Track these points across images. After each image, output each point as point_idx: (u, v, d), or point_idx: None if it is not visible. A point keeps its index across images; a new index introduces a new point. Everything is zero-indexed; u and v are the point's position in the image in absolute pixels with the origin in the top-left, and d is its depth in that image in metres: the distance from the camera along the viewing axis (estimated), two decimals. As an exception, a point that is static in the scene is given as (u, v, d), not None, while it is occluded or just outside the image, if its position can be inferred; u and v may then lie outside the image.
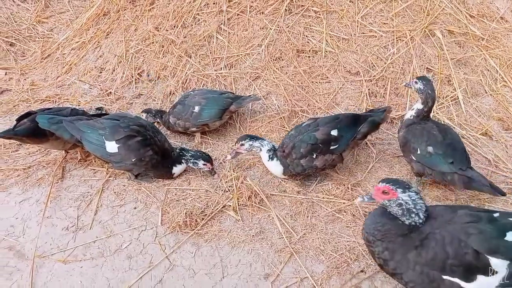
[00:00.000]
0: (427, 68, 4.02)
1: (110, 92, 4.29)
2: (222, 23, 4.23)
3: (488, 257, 1.86)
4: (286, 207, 3.11)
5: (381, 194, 2.11)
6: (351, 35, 4.08)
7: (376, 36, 4.08)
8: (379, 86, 3.97)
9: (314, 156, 3.06)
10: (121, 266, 2.66)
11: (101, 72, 4.53)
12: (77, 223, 2.97)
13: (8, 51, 5.03)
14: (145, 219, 3.00)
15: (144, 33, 4.45)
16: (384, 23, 4.11)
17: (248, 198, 3.06)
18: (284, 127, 3.79)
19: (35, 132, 3.06)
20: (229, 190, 3.18)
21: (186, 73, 4.13)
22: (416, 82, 3.05)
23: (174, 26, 4.35)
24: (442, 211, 2.10)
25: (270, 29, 4.12)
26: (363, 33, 4.09)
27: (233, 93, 3.77)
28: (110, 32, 4.69)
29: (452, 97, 3.94)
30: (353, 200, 3.10)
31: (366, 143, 3.67)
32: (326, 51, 4.06)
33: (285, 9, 4.16)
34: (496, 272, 1.86)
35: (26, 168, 3.42)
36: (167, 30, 4.35)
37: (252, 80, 4.05)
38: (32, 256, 2.70)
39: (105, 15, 4.82)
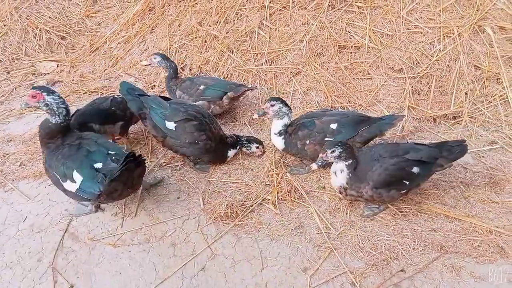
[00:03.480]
0: (474, 65, 3.88)
1: (154, 85, 4.46)
2: (264, 19, 4.27)
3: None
4: (324, 203, 3.13)
5: (31, 98, 2.65)
6: (395, 31, 4.00)
7: (421, 32, 3.98)
8: (423, 84, 3.88)
9: (308, 142, 3.10)
10: (166, 252, 2.80)
11: (146, 65, 4.70)
12: (124, 210, 3.13)
13: (60, 44, 5.32)
14: (188, 208, 3.12)
15: (187, 28, 4.57)
16: (431, 19, 4.00)
17: (288, 193, 3.11)
18: (323, 123, 3.80)
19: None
20: (269, 184, 3.24)
21: (228, 68, 4.22)
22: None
23: (217, 22, 4.43)
24: None
25: (312, 24, 4.12)
26: (408, 29, 4.00)
27: (243, 85, 3.88)
28: (155, 27, 4.85)
29: (501, 96, 3.79)
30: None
31: (408, 141, 3.61)
32: (369, 47, 4.02)
33: (328, 4, 4.14)
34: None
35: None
36: (210, 26, 4.44)
37: (293, 76, 4.08)
38: (85, 239, 2.89)
39: (151, 11, 4.99)
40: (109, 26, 5.43)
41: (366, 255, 2.74)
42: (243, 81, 4.17)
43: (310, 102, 3.94)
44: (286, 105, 3.12)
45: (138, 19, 5.06)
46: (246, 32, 4.29)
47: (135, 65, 4.74)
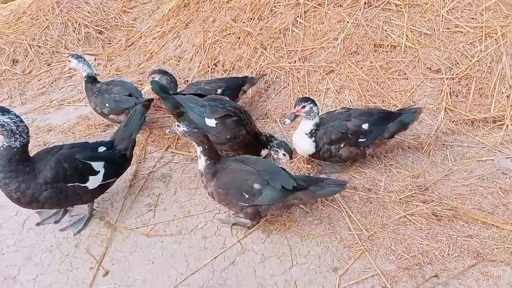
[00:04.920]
0: (518, 67, 3.72)
1: (187, 80, 4.52)
2: (298, 16, 4.25)
3: (91, 162, 2.78)
4: (356, 204, 3.09)
5: None
6: (434, 30, 3.89)
7: (462, 32, 3.85)
8: (462, 85, 3.76)
9: (342, 145, 3.06)
10: (197, 245, 2.85)
11: (179, 61, 4.79)
12: (157, 201, 3.20)
13: (97, 38, 5.48)
14: (218, 203, 3.16)
15: (221, 24, 4.61)
16: (473, 18, 3.86)
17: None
18: (356, 122, 3.75)
19: None
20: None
21: (261, 65, 4.23)
22: (178, 126, 2.63)
23: (251, 18, 4.45)
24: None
25: (348, 22, 4.06)
26: (448, 28, 3.88)
27: (249, 77, 3.94)
28: (189, 23, 4.92)
29: (546, 100, 3.62)
30: (426, 204, 3.01)
31: (444, 144, 3.52)
32: (406, 47, 3.92)
33: (365, 2, 4.06)
34: (99, 171, 2.81)
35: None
36: (244, 22, 4.46)
37: (326, 74, 4.04)
38: (120, 228, 2.98)
39: (185, 7, 5.06)
40: (144, 22, 5.55)
41: (398, 258, 2.69)
42: (275, 78, 4.17)
43: (343, 101, 3.89)
44: (316, 104, 3.05)
45: (173, 15, 5.15)
46: (280, 29, 4.28)
47: (169, 60, 4.82)
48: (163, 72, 3.77)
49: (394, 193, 3.14)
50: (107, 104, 3.67)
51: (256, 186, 2.60)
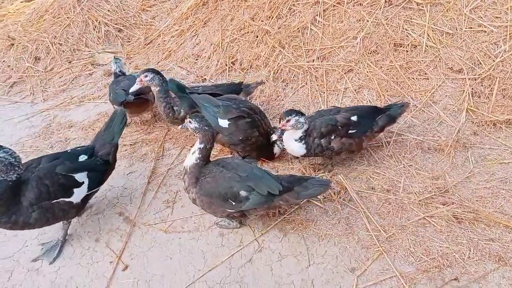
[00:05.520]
0: (544, 68, 3.62)
1: (205, 79, 4.55)
2: (317, 14, 4.23)
3: (73, 175, 2.67)
4: (374, 204, 3.07)
5: None
6: (456, 29, 3.82)
7: (485, 31, 3.77)
8: (484, 86, 3.68)
9: (332, 137, 3.07)
10: (214, 242, 2.87)
11: (197, 59, 4.82)
12: (175, 198, 3.24)
13: (117, 36, 5.56)
14: (236, 201, 3.18)
15: (240, 23, 4.62)
16: (497, 17, 3.78)
17: (338, 193, 3.08)
18: (374, 122, 3.71)
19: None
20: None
21: (279, 63, 4.22)
22: (190, 122, 2.66)
23: (269, 17, 4.44)
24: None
25: (367, 21, 4.02)
26: (471, 27, 3.80)
27: (243, 84, 3.85)
28: (207, 21, 4.95)
29: None
30: (446, 206, 2.96)
31: (465, 145, 3.45)
32: (427, 46, 3.86)
33: (385, 0, 4.02)
34: (83, 182, 2.71)
35: (133, 144, 3.81)
36: (262, 21, 4.47)
37: (344, 73, 4.01)
38: (139, 223, 3.02)
39: (204, 5, 5.09)
40: (163, 20, 5.60)
41: (417, 260, 2.66)
42: (293, 77, 4.16)
43: (362, 100, 3.86)
44: (301, 114, 2.98)
45: (192, 13, 5.18)
46: (298, 28, 4.27)
47: (187, 59, 4.86)
48: (156, 72, 3.48)
49: (413, 194, 3.10)
50: (111, 94, 3.80)
51: (243, 193, 2.55)
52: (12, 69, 5.14)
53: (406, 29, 3.95)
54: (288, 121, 2.96)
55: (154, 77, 3.42)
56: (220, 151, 3.65)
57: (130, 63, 5.16)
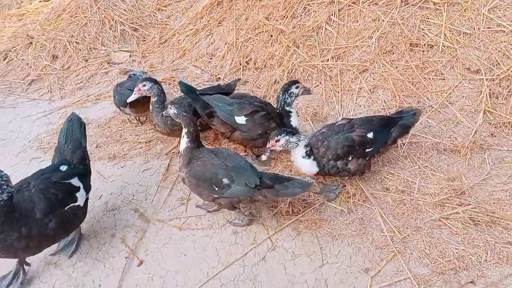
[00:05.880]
0: None
1: (219, 78, 4.57)
2: (332, 14, 4.21)
3: (69, 181, 2.67)
4: (388, 205, 3.05)
5: None
6: (474, 29, 3.76)
7: (504, 31, 3.70)
8: (503, 87, 3.62)
9: (350, 159, 2.89)
10: (228, 239, 2.89)
11: (211, 58, 4.84)
12: (189, 196, 3.26)
13: (132, 35, 5.63)
14: (249, 199, 3.19)
15: (254, 22, 4.63)
16: (516, 17, 3.71)
17: (353, 195, 3.07)
18: (389, 123, 3.68)
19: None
20: (332, 183, 3.21)
21: (293, 63, 4.22)
22: (170, 108, 2.84)
23: (284, 16, 4.44)
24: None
25: (383, 21, 3.99)
26: (489, 27, 3.74)
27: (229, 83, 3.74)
28: (222, 21, 4.97)
29: None
30: (462, 207, 2.93)
31: (482, 147, 3.40)
32: (444, 46, 3.81)
33: (401, 0, 3.98)
34: (80, 186, 2.71)
35: (148, 142, 3.85)
36: (277, 20, 4.47)
37: (359, 73, 3.99)
38: (153, 220, 3.06)
39: (219, 5, 5.11)
40: (177, 20, 5.65)
41: (433, 262, 2.64)
42: (308, 76, 4.16)
43: (377, 100, 3.83)
44: (292, 133, 2.83)
45: (206, 13, 5.21)
46: (313, 27, 4.26)
47: (201, 58, 4.89)
48: (154, 81, 3.43)
49: (428, 195, 3.07)
50: (116, 97, 3.82)
51: (225, 180, 2.68)
52: (31, 67, 5.24)
53: (422, 29, 3.91)
54: (277, 141, 2.81)
55: (152, 87, 3.38)
56: (235, 150, 3.66)
57: (145, 62, 5.21)
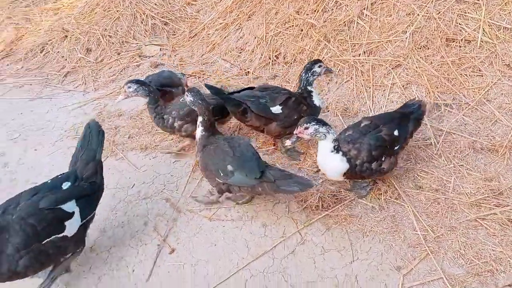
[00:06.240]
0: None
1: (248, 72, 4.58)
2: (364, 8, 4.14)
3: (61, 206, 2.40)
4: (421, 204, 2.98)
5: None
6: (516, 24, 3.62)
7: (548, 26, 3.55)
8: (545, 84, 3.47)
9: (383, 159, 2.84)
10: (257, 232, 2.90)
11: (241, 52, 4.86)
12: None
13: (163, 29, 5.70)
14: (279, 193, 3.19)
15: (284, 16, 4.61)
16: (562, 11, 3.55)
17: (385, 193, 3.02)
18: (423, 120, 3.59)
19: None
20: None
21: (323, 57, 4.18)
22: (187, 95, 2.95)
23: (315, 10, 4.40)
24: None
25: (418, 15, 3.89)
26: (532, 22, 3.60)
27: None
28: (252, 15, 4.97)
29: None
30: (500, 208, 2.83)
31: (521, 147, 3.28)
32: (482, 41, 3.69)
33: (438, -7, 3.88)
34: (73, 212, 2.44)
35: (178, 134, 3.90)
36: (308, 14, 4.43)
37: (392, 69, 3.91)
38: (184, 210, 3.11)
39: (249, -2, 5.11)
40: (207, 14, 5.68)
41: (468, 263, 2.57)
42: (338, 71, 4.11)
43: (410, 96, 3.74)
44: (323, 124, 2.68)
45: (236, 7, 5.22)
46: (344, 22, 4.20)
47: (230, 52, 4.91)
48: (140, 83, 3.36)
49: (464, 195, 2.99)
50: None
51: (229, 167, 2.77)
52: (66, 59, 5.40)
53: (459, 24, 3.79)
54: (306, 128, 2.66)
55: (138, 88, 3.32)
56: (263, 144, 3.67)
57: (175, 56, 5.28)
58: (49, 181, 2.56)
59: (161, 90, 3.73)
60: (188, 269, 2.68)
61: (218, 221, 3.00)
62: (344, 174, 2.79)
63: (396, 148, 2.91)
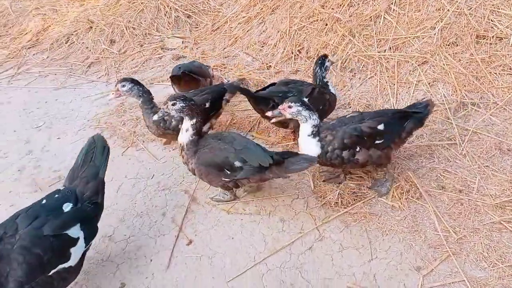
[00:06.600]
0: None
1: (270, 66, 4.56)
2: (392, 3, 4.05)
3: (66, 232, 2.16)
4: (444, 204, 2.91)
5: None
6: (551, 21, 3.47)
7: None
8: None
9: (358, 150, 2.80)
10: (275, 226, 2.89)
11: (263, 46, 4.83)
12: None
13: (186, 22, 5.72)
14: (297, 188, 3.17)
15: (309, 10, 4.55)
16: None
17: (407, 192, 2.96)
18: (448, 119, 3.50)
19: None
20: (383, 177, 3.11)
21: (348, 52, 4.11)
22: (173, 104, 2.75)
23: (341, 5, 4.33)
24: None
25: (448, 10, 3.78)
26: None
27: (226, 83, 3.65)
28: (275, 9, 4.93)
29: None
30: None
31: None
32: (514, 39, 3.55)
33: (470, -12, 3.75)
34: (78, 238, 2.21)
35: (198, 126, 3.93)
36: (333, 9, 4.36)
37: (418, 65, 3.82)
38: (202, 202, 3.13)
39: (273, -8, 5.07)
40: (230, 7, 5.67)
41: (491, 266, 2.49)
42: (362, 67, 4.04)
43: (435, 94, 3.65)
44: (308, 108, 2.77)
45: (260, 1, 5.19)
46: (371, 17, 4.12)
47: (253, 45, 4.89)
48: (135, 82, 3.20)
49: (488, 197, 2.90)
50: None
51: (237, 163, 2.72)
52: (90, 50, 5.49)
53: (491, 20, 3.66)
54: (290, 107, 2.76)
55: (132, 88, 3.16)
56: (283, 138, 3.65)
57: (197, 49, 5.29)
58: (44, 201, 2.28)
59: (189, 75, 3.74)
60: (205, 261, 2.69)
61: (236, 214, 3.01)
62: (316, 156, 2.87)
63: (378, 142, 2.83)
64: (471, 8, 3.71)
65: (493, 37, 3.62)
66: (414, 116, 2.95)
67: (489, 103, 3.49)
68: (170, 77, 3.73)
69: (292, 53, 4.50)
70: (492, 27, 3.64)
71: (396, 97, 3.74)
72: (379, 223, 2.84)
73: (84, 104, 4.52)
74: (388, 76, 3.87)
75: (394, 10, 4.03)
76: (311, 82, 3.47)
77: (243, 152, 2.74)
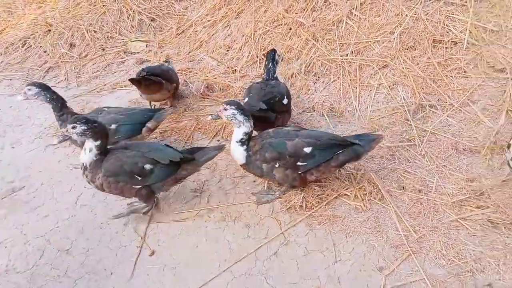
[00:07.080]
0: None
1: (235, 70, 4.53)
2: (354, 8, 4.13)
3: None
4: (404, 204, 2.98)
5: None
6: (501, 27, 3.64)
7: (533, 29, 3.58)
8: (528, 87, 3.50)
9: (277, 166, 2.77)
10: (240, 233, 2.87)
11: (228, 50, 4.80)
12: (203, 188, 3.25)
13: (150, 25, 5.61)
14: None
15: (273, 14, 4.57)
16: (546, 15, 3.58)
17: (369, 193, 3.01)
18: (408, 120, 3.60)
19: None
20: (348, 179, 3.15)
21: (311, 56, 4.16)
22: (74, 127, 2.58)
23: (304, 9, 4.38)
24: None
25: (406, 16, 3.89)
26: (517, 25, 3.62)
27: (161, 109, 3.56)
28: (240, 13, 4.92)
29: None
30: (481, 209, 2.85)
31: (503, 148, 3.30)
32: (468, 43, 3.70)
33: (426, -5, 3.88)
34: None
35: (162, 132, 3.85)
36: (297, 13, 4.40)
37: (379, 69, 3.91)
38: (166, 210, 3.05)
39: (238, -4, 5.06)
40: (195, 10, 5.60)
41: (449, 263, 2.57)
42: (326, 71, 4.09)
43: (395, 97, 3.75)
44: (243, 113, 2.73)
45: (225, 4, 5.16)
46: (333, 21, 4.18)
47: (218, 49, 4.85)
48: (43, 87, 3.09)
49: (446, 195, 3.00)
50: None
51: (147, 166, 2.70)
52: (48, 54, 5.28)
53: (446, 25, 3.80)
54: (225, 109, 2.73)
55: (39, 93, 3.06)
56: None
57: (161, 53, 5.20)
58: None
59: (151, 76, 3.69)
60: (169, 272, 2.63)
61: (201, 222, 2.96)
62: (241, 165, 2.91)
63: (301, 164, 2.75)
64: (427, 14, 3.84)
65: (448, 41, 3.76)
66: (352, 148, 2.82)
67: (445, 105, 3.62)
68: (129, 80, 3.66)
69: (257, 57, 4.50)
70: (447, 32, 3.79)
71: (358, 100, 3.81)
72: (343, 225, 2.87)
73: (41, 111, 4.33)
74: (350, 80, 3.94)
75: (355, 15, 4.11)
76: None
77: (152, 153, 2.72)
